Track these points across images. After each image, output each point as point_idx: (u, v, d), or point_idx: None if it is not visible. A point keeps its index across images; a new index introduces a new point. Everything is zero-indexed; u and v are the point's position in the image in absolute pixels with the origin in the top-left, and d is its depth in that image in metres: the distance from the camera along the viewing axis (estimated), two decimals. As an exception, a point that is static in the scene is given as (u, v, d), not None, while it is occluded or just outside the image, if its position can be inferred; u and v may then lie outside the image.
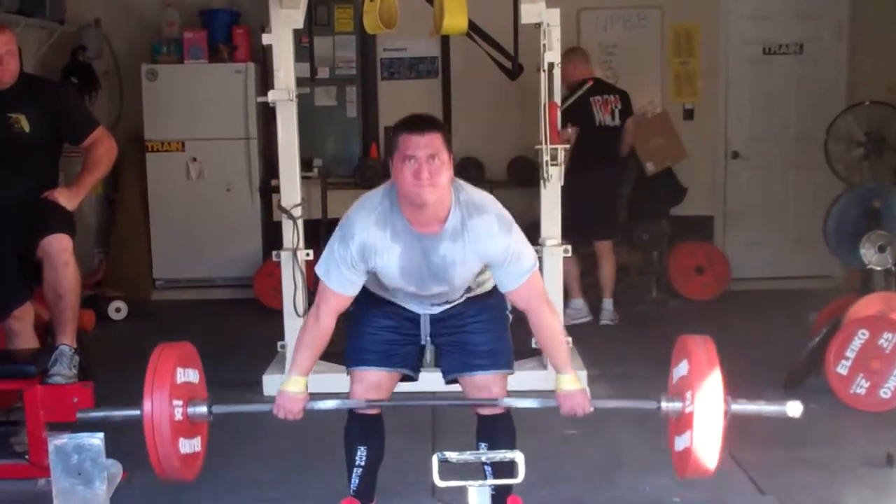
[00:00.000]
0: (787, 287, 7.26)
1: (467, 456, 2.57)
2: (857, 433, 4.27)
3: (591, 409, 2.87)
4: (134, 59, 7.37)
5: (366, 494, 3.08)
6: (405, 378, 3.09)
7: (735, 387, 4.74)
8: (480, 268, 2.88)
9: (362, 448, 3.03)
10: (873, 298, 4.77)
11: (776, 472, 3.84)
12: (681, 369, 2.81)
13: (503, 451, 2.66)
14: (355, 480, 3.05)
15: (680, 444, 2.79)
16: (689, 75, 7.61)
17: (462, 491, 2.43)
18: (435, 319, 3.03)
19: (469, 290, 2.99)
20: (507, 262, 2.82)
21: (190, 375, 2.85)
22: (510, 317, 3.08)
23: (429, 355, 3.15)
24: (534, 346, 4.99)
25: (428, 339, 3.06)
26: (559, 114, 4.92)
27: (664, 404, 2.81)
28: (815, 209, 6.18)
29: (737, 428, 4.31)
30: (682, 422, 2.76)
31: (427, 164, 2.67)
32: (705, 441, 2.66)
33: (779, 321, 6.19)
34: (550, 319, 2.91)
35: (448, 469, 2.32)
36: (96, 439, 1.80)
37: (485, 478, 2.90)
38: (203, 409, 2.83)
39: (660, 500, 3.62)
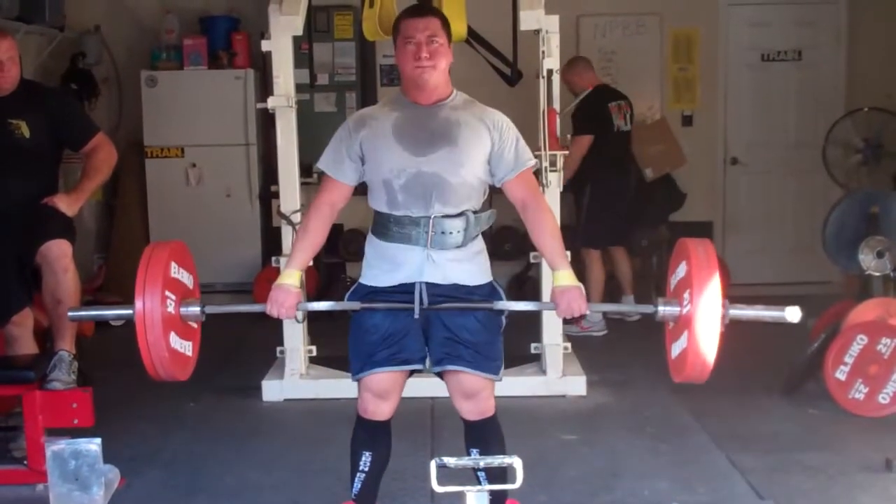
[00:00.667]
0: (786, 293, 7.16)
1: (466, 461, 2.57)
2: (856, 438, 4.27)
3: (588, 310, 2.85)
4: (133, 65, 7.37)
5: (367, 500, 3.06)
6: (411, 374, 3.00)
7: (734, 391, 4.77)
8: (487, 145, 2.88)
9: (367, 453, 3.00)
10: (872, 304, 4.77)
11: (775, 477, 3.84)
12: (679, 272, 2.71)
13: (501, 456, 2.65)
14: (357, 485, 3.01)
15: (676, 348, 2.70)
16: (688, 81, 7.62)
17: (460, 496, 2.43)
18: (432, 298, 2.88)
19: (466, 222, 2.87)
20: (511, 140, 2.91)
21: (183, 276, 2.83)
22: (504, 322, 3.03)
23: (427, 363, 3.13)
24: (533, 351, 5.04)
25: (422, 314, 2.89)
26: (557, 120, 4.92)
27: (661, 308, 2.71)
28: (813, 215, 6.19)
29: (736, 432, 4.35)
30: (680, 325, 2.67)
31: (427, 44, 2.81)
32: (702, 342, 2.55)
33: (777, 327, 6.16)
34: (548, 213, 2.94)
35: (446, 474, 2.32)
36: (93, 445, 1.80)
37: (479, 483, 2.87)
38: (196, 309, 2.80)
39: (659, 505, 3.62)
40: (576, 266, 5.76)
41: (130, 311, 2.65)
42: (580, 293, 2.84)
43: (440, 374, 2.98)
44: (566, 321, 4.39)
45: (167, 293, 2.68)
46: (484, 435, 2.97)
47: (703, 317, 2.56)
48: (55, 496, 1.74)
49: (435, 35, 2.83)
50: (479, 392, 2.94)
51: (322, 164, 2.97)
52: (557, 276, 2.87)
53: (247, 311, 3.00)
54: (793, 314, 2.66)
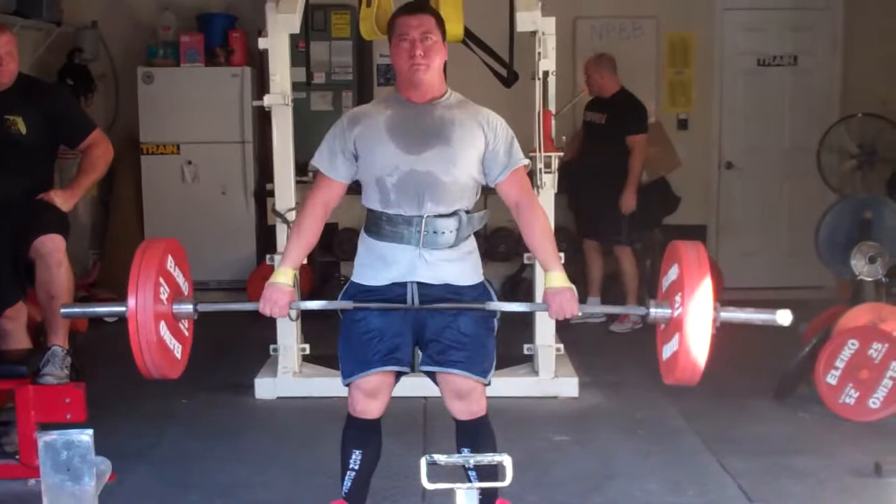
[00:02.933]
0: (779, 297, 7.19)
1: (456, 459, 2.58)
2: (846, 442, 4.28)
3: (580, 312, 2.83)
4: (130, 61, 7.37)
5: (357, 498, 3.06)
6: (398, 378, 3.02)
7: (725, 394, 4.78)
8: (480, 144, 2.90)
9: (357, 452, 3.00)
10: (863, 309, 4.79)
11: (765, 481, 3.85)
12: (671, 275, 2.73)
13: (491, 454, 2.66)
14: (348, 483, 3.01)
15: (667, 350, 2.72)
16: (683, 85, 7.64)
17: (450, 493, 2.43)
18: (423, 298, 2.90)
19: (459, 222, 2.89)
20: (504, 139, 2.93)
21: (178, 274, 2.83)
22: (497, 324, 3.01)
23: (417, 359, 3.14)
24: (526, 352, 5.05)
25: (414, 316, 2.92)
26: (552, 121, 4.93)
27: (653, 310, 2.73)
28: (807, 220, 6.18)
29: (727, 435, 4.36)
30: (671, 327, 2.69)
31: (421, 42, 2.85)
32: (693, 345, 2.57)
33: (770, 331, 6.18)
34: (541, 214, 2.94)
35: (437, 472, 2.32)
36: (85, 436, 1.80)
37: (469, 482, 2.87)
38: (189, 307, 2.79)
39: (649, 506, 3.63)
40: (574, 267, 5.86)
41: (123, 308, 2.64)
42: (572, 295, 2.84)
43: (431, 375, 2.97)
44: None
45: (161, 281, 2.68)
46: (474, 434, 2.96)
47: (695, 319, 2.57)
48: (47, 487, 1.74)
49: (429, 32, 2.87)
50: (469, 393, 2.93)
51: (316, 161, 3.00)
52: (550, 277, 2.87)
53: (240, 310, 3.01)
54: (783, 317, 2.68)
